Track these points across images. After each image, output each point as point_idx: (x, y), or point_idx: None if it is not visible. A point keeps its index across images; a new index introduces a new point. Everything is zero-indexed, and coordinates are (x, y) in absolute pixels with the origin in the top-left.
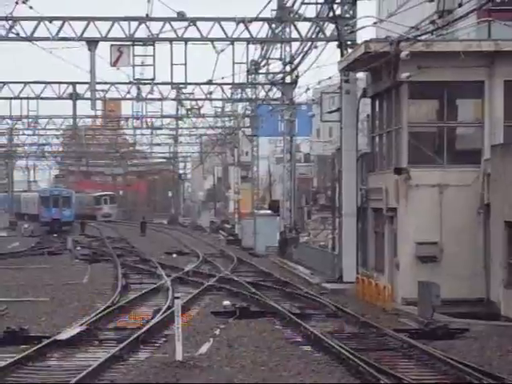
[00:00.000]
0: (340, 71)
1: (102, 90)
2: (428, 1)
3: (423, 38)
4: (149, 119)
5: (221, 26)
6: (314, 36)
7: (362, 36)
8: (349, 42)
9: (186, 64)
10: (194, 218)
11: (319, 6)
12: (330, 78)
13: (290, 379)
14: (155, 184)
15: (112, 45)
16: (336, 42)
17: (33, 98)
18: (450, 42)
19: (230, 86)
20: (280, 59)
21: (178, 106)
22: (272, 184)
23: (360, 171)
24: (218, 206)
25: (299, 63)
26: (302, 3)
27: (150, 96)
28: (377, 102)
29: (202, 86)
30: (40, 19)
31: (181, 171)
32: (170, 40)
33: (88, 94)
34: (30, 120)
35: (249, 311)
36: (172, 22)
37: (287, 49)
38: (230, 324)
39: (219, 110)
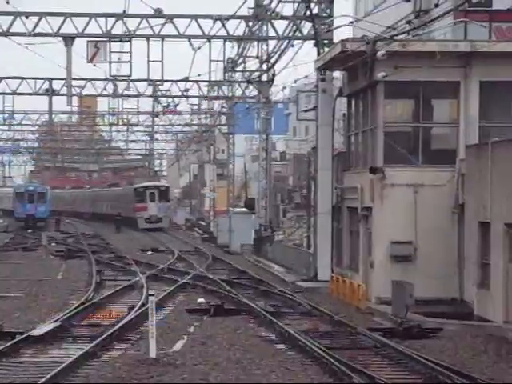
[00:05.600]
0: (316, 70)
1: (79, 86)
2: (405, 1)
3: (400, 37)
4: (125, 116)
5: (198, 23)
6: (290, 34)
7: (338, 35)
8: (325, 41)
9: (162, 61)
10: (169, 215)
11: (296, 4)
12: (306, 76)
13: (264, 377)
14: (131, 181)
15: (88, 41)
16: (313, 41)
17: (8, 94)
18: (427, 42)
19: (206, 84)
20: (257, 57)
21: (154, 103)
22: (248, 182)
23: (336, 170)
24: (193, 204)
25: (276, 61)
26: (280, 1)
27: (126, 92)
28: (353, 101)
29: (178, 83)
30: (16, 14)
31: (156, 168)
32: (147, 37)
33: (64, 90)
34: (6, 115)
35: (223, 309)
36: (149, 19)
37: (264, 47)
38: (204, 322)
39: (195, 107)
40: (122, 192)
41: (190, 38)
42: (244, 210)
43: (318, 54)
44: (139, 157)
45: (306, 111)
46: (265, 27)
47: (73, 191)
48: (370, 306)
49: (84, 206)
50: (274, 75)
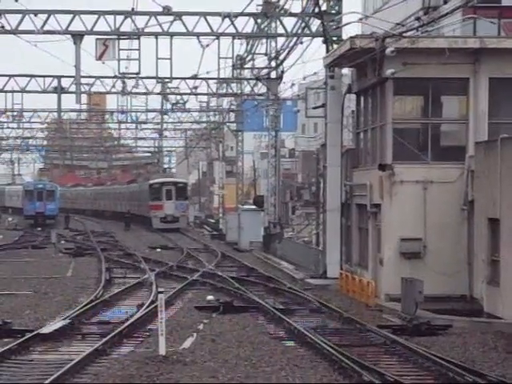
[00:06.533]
0: (325, 67)
1: (87, 84)
2: None
3: (408, 34)
4: (134, 113)
5: (206, 20)
6: (299, 31)
7: (347, 32)
8: (334, 38)
9: (171, 58)
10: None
11: (305, 1)
12: (315, 73)
13: (273, 374)
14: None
15: (97, 38)
16: (321, 38)
17: (17, 91)
18: (436, 39)
19: (215, 81)
20: (265, 54)
21: (163, 101)
22: (256, 179)
23: (344, 167)
24: (202, 201)
25: (285, 58)
26: None
27: (135, 90)
28: (362, 98)
29: (187, 80)
30: (25, 12)
31: (165, 165)
32: (156, 34)
33: (73, 88)
34: (15, 113)
35: (232, 306)
36: (158, 17)
37: (273, 44)
38: (213, 319)
39: (204, 104)
40: (136, 189)
41: (198, 35)
42: (253, 207)
43: (327, 50)
44: (148, 154)
45: (314, 108)
46: (273, 24)
47: (94, 188)
48: (380, 303)
49: (105, 203)
50: (282, 72)
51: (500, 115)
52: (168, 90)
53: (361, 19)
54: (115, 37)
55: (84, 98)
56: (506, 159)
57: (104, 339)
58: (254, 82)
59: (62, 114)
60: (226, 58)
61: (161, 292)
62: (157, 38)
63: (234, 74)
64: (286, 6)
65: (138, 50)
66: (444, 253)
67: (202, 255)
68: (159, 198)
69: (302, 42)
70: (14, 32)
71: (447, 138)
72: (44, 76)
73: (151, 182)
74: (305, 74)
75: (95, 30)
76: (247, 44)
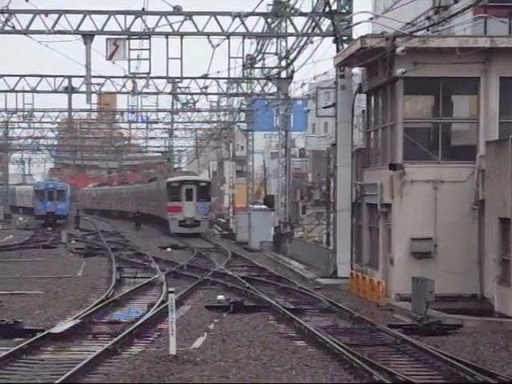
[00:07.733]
0: (336, 66)
1: (98, 84)
2: None
3: (419, 33)
4: (144, 113)
5: (217, 20)
6: (309, 31)
7: (357, 31)
8: (345, 38)
9: (181, 58)
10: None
11: (315, 0)
12: (325, 73)
13: (284, 374)
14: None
15: (108, 38)
16: (332, 37)
17: (28, 91)
18: (446, 38)
19: (225, 81)
20: (276, 54)
21: (173, 100)
22: (267, 179)
23: (355, 167)
24: (212, 201)
25: (295, 58)
26: None
27: (145, 90)
28: (372, 98)
29: (197, 80)
30: (36, 12)
31: (176, 165)
32: (166, 34)
33: (83, 88)
34: (25, 113)
35: (243, 306)
36: (168, 16)
37: (283, 43)
38: (224, 318)
39: (215, 104)
40: (154, 187)
41: (208, 34)
42: (263, 206)
43: (337, 50)
44: (159, 154)
45: (325, 108)
46: (284, 24)
47: (119, 188)
48: (390, 303)
49: (128, 204)
50: (293, 72)
51: (511, 114)
52: (178, 90)
53: (371, 19)
54: (126, 37)
55: (94, 97)
56: None
57: (115, 339)
58: (265, 81)
59: (73, 113)
60: (236, 57)
61: (171, 292)
62: (167, 38)
63: (244, 74)
64: (297, 6)
65: (149, 49)
66: (455, 252)
67: (213, 255)
68: (178, 199)
69: (312, 42)
70: (25, 32)
71: (458, 138)
72: (54, 76)
73: (169, 180)
74: (315, 74)
75: (106, 29)
76: (257, 43)
